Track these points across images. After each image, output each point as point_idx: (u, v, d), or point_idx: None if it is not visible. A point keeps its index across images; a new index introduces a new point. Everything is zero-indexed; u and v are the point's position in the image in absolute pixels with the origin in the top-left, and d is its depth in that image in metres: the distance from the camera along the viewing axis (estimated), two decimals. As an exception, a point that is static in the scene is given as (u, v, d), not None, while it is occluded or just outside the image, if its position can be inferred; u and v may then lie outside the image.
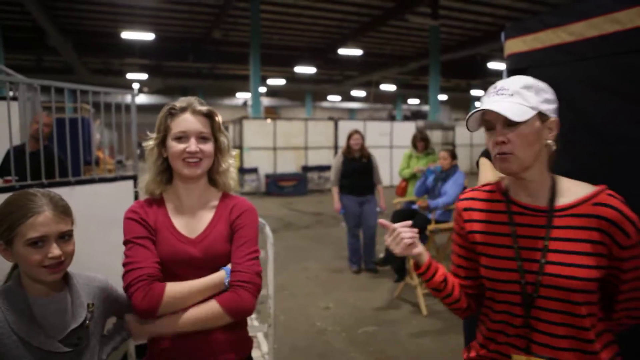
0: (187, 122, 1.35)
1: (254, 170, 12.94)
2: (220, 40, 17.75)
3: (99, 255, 2.32)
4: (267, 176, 12.91)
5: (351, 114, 32.80)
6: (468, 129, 1.21)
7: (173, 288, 1.27)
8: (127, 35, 14.88)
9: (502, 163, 1.12)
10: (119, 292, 1.41)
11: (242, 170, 12.89)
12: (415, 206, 4.52)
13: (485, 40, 16.42)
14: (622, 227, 1.05)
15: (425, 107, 27.09)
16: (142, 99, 25.92)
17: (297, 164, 13.71)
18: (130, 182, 4.27)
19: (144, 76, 21.34)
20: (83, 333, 1.27)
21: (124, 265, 1.31)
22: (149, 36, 14.94)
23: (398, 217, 4.45)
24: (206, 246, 1.35)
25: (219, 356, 1.35)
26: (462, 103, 31.52)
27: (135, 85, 23.25)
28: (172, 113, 1.37)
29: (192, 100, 1.40)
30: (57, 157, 3.46)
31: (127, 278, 1.28)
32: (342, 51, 17.77)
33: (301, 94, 29.55)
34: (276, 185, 12.78)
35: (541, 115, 1.10)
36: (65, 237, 1.23)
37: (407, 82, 27.45)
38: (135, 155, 4.47)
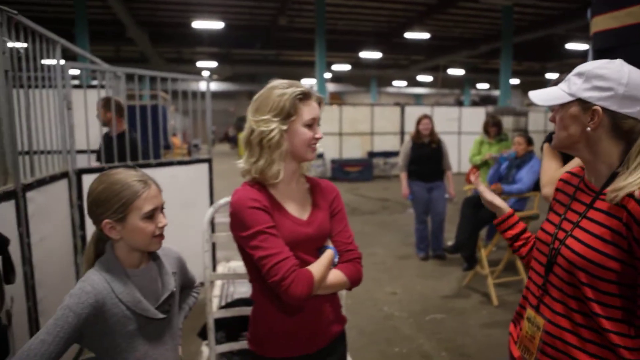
0: (315, 109, 1.40)
1: (320, 156, 13.05)
2: (286, 27, 17.90)
3: (175, 233, 2.47)
4: (333, 161, 12.98)
5: (417, 99, 32.08)
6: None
7: (316, 271, 1.34)
8: (197, 24, 15.39)
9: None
10: (187, 265, 1.54)
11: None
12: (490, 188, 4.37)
13: (563, 19, 15.29)
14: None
15: (495, 92, 25.94)
16: (211, 86, 26.85)
17: (363, 149, 13.66)
18: (205, 165, 4.47)
19: (213, 64, 22.04)
20: (172, 300, 1.37)
21: (265, 257, 1.29)
22: (218, 25, 15.38)
23: (468, 204, 4.32)
24: (318, 226, 1.44)
25: (330, 326, 1.50)
26: (535, 87, 29.67)
27: (206, 73, 24.14)
28: (301, 98, 1.36)
29: (303, 85, 1.40)
30: (134, 141, 3.69)
31: (278, 271, 1.27)
32: (408, 35, 17.33)
33: (366, 79, 29.26)
34: (342, 171, 12.82)
35: (582, 102, 1.13)
36: (162, 208, 1.33)
37: (476, 66, 26.35)
38: (209, 140, 4.67)
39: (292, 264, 1.29)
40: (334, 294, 1.53)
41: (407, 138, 5.49)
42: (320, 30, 15.46)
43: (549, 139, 2.13)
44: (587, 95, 1.12)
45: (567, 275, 1.14)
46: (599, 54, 3.52)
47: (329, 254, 1.42)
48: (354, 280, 1.44)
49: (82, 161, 3.42)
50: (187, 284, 1.58)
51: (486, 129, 5.65)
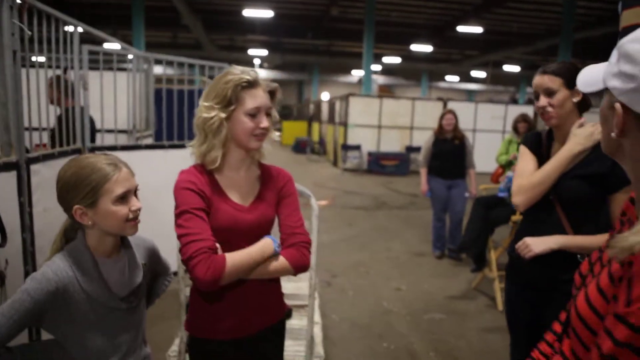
0: (261, 98, 1.39)
1: (357, 148, 12.99)
2: (338, 17, 17.86)
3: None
4: (370, 154, 12.89)
5: (469, 95, 31.11)
6: None
7: (233, 258, 1.32)
8: (248, 12, 15.65)
9: None
10: (161, 254, 1.54)
11: (345, 147, 13.02)
12: (502, 194, 4.21)
13: (631, 16, 14.31)
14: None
15: (555, 91, 24.66)
16: (262, 74, 27.17)
17: (402, 143, 13.46)
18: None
19: (264, 52, 22.38)
20: (138, 291, 1.38)
21: (182, 236, 1.31)
22: (268, 13, 15.57)
23: (480, 203, 4.18)
24: (260, 213, 1.45)
25: (264, 314, 1.50)
26: (599, 87, 28.09)
27: (256, 61, 24.51)
28: (245, 86, 1.36)
29: (252, 72, 1.39)
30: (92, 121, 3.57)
31: (187, 250, 1.29)
32: (461, 29, 16.83)
33: (417, 73, 28.69)
34: (378, 164, 12.72)
35: (609, 93, 0.82)
36: (136, 192, 1.31)
37: (533, 63, 25.16)
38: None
39: (203, 246, 1.28)
40: (274, 284, 1.53)
41: (430, 133, 5.37)
42: (370, 21, 15.29)
43: (527, 140, 2.01)
44: (612, 84, 0.80)
45: (576, 340, 0.86)
46: (628, 53, 3.32)
47: (261, 242, 1.40)
48: (297, 266, 1.43)
49: (109, 139, 3.75)
50: (160, 272, 1.57)
51: (515, 127, 5.42)
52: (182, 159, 4.06)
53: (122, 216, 1.25)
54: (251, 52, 22.42)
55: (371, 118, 13.20)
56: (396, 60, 23.63)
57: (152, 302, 1.60)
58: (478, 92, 31.09)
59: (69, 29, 3.21)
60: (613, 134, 0.81)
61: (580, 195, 1.75)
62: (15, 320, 1.13)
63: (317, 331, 2.70)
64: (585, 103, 1.82)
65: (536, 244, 1.75)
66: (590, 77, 0.88)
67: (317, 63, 26.73)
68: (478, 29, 16.75)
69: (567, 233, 1.76)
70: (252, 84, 1.37)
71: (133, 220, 1.28)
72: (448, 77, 30.68)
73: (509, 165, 5.25)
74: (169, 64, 4.30)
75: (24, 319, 1.15)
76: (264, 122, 1.39)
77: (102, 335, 1.28)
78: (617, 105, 0.78)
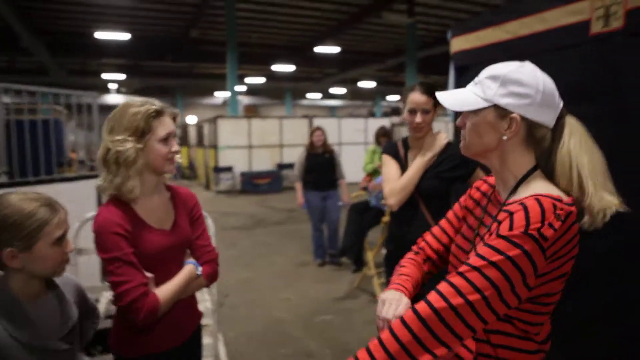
0: (170, 124, 1.48)
1: (229, 169, 13.01)
2: (198, 39, 17.73)
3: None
4: (242, 174, 12.98)
5: (331, 111, 32.93)
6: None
7: (164, 295, 1.44)
8: (101, 35, 14.77)
9: (460, 144, 1.17)
10: (86, 291, 1.52)
11: (217, 169, 12.94)
12: (371, 198, 4.68)
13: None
14: (514, 218, 0.98)
15: (405, 104, 27.29)
16: (119, 99, 25.75)
17: (273, 161, 13.81)
18: (93, 182, 4.35)
19: (121, 76, 21.18)
20: (75, 330, 1.35)
21: (117, 284, 1.36)
22: (124, 36, 14.86)
23: (354, 210, 4.59)
24: (181, 233, 1.57)
25: (187, 323, 1.64)
26: (441, 99, 31.78)
27: (113, 86, 23.07)
28: (154, 116, 1.43)
29: (155, 101, 1.47)
30: None
31: (124, 298, 1.35)
32: (319, 49, 17.88)
33: (281, 92, 29.59)
34: (251, 183, 12.86)
35: (498, 109, 1.06)
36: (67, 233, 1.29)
37: (386, 79, 27.66)
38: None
39: (139, 293, 1.36)
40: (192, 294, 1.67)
41: (302, 149, 5.71)
42: (232, 42, 15.45)
43: (387, 150, 2.38)
44: (505, 101, 1.05)
45: None
46: (458, 71, 3.97)
47: (186, 270, 1.54)
48: (211, 278, 1.64)
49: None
50: (87, 312, 1.52)
51: (377, 139, 6.03)
52: (56, 193, 3.80)
53: (58, 259, 1.24)
54: (106, 76, 21.04)
55: (241, 139, 13.34)
56: (260, 80, 24.11)
57: (82, 344, 1.52)
58: (339, 108, 33.09)
59: None
60: (505, 137, 1.06)
61: (437, 191, 2.16)
62: None
63: (221, 347, 2.75)
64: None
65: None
66: (462, 99, 1.10)
67: (179, 86, 26.09)
68: (335, 49, 17.95)
69: (429, 223, 2.14)
70: (160, 112, 1.46)
71: (67, 261, 1.28)
72: (310, 95, 32.13)
73: (375, 173, 5.81)
74: (17, 92, 3.95)
75: None
76: (175, 146, 1.50)
77: None
78: (516, 116, 1.04)
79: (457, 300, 0.94)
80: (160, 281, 1.47)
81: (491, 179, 1.27)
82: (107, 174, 1.44)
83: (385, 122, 14.44)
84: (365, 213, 4.47)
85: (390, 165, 2.30)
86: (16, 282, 1.23)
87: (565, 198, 1.02)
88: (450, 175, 2.17)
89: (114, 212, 1.42)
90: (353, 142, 14.02)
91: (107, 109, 4.15)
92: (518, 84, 1.05)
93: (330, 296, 4.58)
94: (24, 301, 1.22)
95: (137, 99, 1.47)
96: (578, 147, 1.06)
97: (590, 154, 1.06)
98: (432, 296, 0.97)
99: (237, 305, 4.36)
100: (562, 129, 1.08)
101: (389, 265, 2.42)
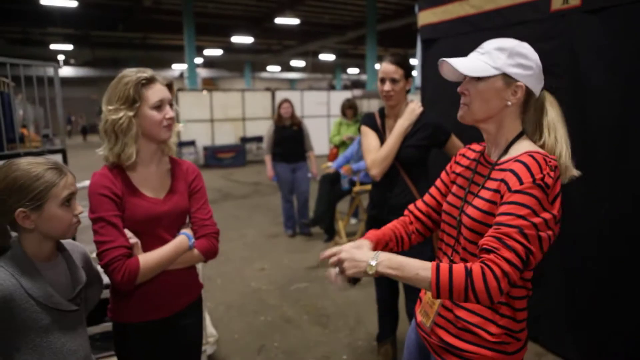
0: (162, 91, 1.51)
1: (192, 143, 12.81)
2: (151, 8, 17.01)
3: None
4: (205, 148, 12.81)
5: (291, 84, 32.68)
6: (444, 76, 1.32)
7: (146, 260, 1.46)
8: (46, 1, 13.90)
9: (459, 112, 1.27)
10: (92, 260, 1.56)
11: (179, 144, 12.66)
12: (342, 173, 4.81)
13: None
14: (518, 173, 1.13)
15: (365, 77, 27.48)
16: (68, 71, 24.53)
17: (236, 135, 13.69)
18: (59, 157, 4.24)
19: (69, 47, 20.14)
20: (83, 293, 1.40)
21: (99, 243, 1.42)
22: (71, 3, 14.02)
23: (325, 180, 4.71)
24: (174, 204, 1.59)
25: (185, 293, 1.65)
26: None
27: (61, 57, 21.92)
28: (144, 83, 1.47)
29: (147, 70, 1.51)
30: None
31: (104, 257, 1.41)
32: (279, 20, 17.60)
33: (240, 64, 29.03)
34: (215, 158, 12.72)
35: (506, 77, 1.19)
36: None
37: (346, 52, 27.63)
38: (64, 130, 4.42)
39: (118, 254, 1.41)
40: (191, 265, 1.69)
41: (271, 122, 5.74)
42: (188, 12, 14.98)
43: (365, 121, 2.48)
44: (513, 71, 1.18)
45: (468, 243, 1.24)
46: (425, 44, 4.09)
47: (177, 240, 1.57)
48: (208, 254, 1.63)
49: None
50: (92, 280, 1.54)
51: (343, 111, 6.13)
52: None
53: (68, 219, 1.29)
54: (54, 46, 19.94)
55: (202, 112, 13.11)
56: (218, 52, 23.55)
57: (87, 312, 1.57)
58: (299, 81, 32.85)
59: None
60: (509, 103, 1.20)
61: (415, 158, 2.30)
62: None
63: (205, 315, 2.84)
64: (408, 90, 2.35)
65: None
66: (475, 66, 1.20)
67: (132, 58, 25.04)
68: (295, 20, 17.70)
69: (410, 188, 2.28)
70: (150, 80, 1.50)
71: (76, 223, 1.32)
72: (270, 68, 31.70)
73: (342, 144, 5.93)
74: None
75: None
76: (170, 113, 1.53)
77: (58, 340, 1.29)
78: (522, 84, 1.19)
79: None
80: (150, 249, 1.51)
81: (475, 147, 1.43)
82: (108, 143, 1.50)
83: (348, 94, 14.53)
84: (337, 184, 4.60)
85: (369, 137, 2.41)
86: (30, 243, 1.28)
87: (554, 157, 1.20)
88: (425, 142, 2.30)
89: (105, 176, 1.49)
90: (316, 114, 14.08)
91: (49, 81, 3.96)
92: (524, 57, 1.19)
93: (303, 265, 4.72)
94: (37, 262, 1.28)
95: (132, 70, 1.51)
96: (556, 117, 1.24)
97: (563, 124, 1.25)
98: (507, 253, 1.07)
99: (212, 277, 4.43)
100: (543, 100, 1.25)
101: (371, 229, 2.55)
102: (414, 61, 4.05)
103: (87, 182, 1.67)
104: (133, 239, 1.48)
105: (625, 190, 2.43)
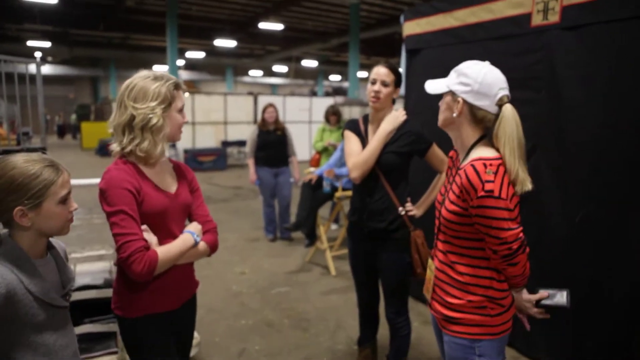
0: (183, 97, 1.62)
1: (172, 146, 12.66)
2: (134, 8, 16.83)
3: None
4: (186, 151, 12.71)
5: (273, 89, 32.69)
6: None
7: (163, 253, 1.51)
8: (25, -3, 13.63)
9: None
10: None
11: (159, 146, 12.58)
12: (325, 177, 4.84)
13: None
14: (466, 188, 1.41)
15: (347, 84, 27.66)
16: (45, 69, 24.03)
17: (217, 139, 13.62)
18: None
19: (47, 44, 19.72)
20: (71, 290, 1.42)
21: (119, 235, 1.44)
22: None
23: (307, 185, 4.74)
24: (184, 198, 1.68)
25: (188, 287, 1.75)
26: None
27: (38, 54, 21.46)
28: (176, 87, 1.57)
29: (170, 75, 1.59)
30: None
31: (126, 249, 1.43)
32: (263, 25, 17.61)
33: (222, 68, 28.90)
34: (195, 161, 12.62)
35: (452, 93, 1.49)
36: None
37: (328, 59, 27.78)
38: (42, 128, 4.35)
39: (140, 245, 1.45)
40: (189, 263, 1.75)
41: (254, 126, 5.75)
42: (172, 14, 14.87)
43: (348, 126, 2.53)
44: (455, 88, 1.48)
45: (442, 231, 1.55)
46: (410, 53, 4.18)
47: (182, 237, 1.62)
48: (213, 247, 1.72)
49: None
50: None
51: (327, 118, 6.18)
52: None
53: (65, 217, 1.31)
54: (30, 43, 19.49)
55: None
56: (200, 55, 23.40)
57: None
58: (281, 86, 32.89)
59: None
60: (454, 114, 1.49)
61: (395, 165, 2.35)
62: None
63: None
64: (394, 99, 2.42)
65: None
66: (436, 86, 1.55)
67: (112, 57, 24.75)
68: (278, 26, 17.75)
69: (389, 194, 2.34)
70: (178, 85, 1.59)
71: (71, 220, 1.34)
72: (252, 72, 31.64)
73: (325, 150, 5.98)
74: None
75: None
76: (186, 117, 1.65)
77: (51, 336, 1.30)
78: (460, 99, 1.47)
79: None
80: (161, 242, 1.57)
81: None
82: (133, 138, 1.53)
83: (330, 101, 14.62)
84: (319, 189, 4.63)
85: (352, 141, 2.45)
86: (25, 240, 1.29)
87: (498, 156, 1.42)
88: (406, 150, 2.34)
89: (125, 171, 1.53)
90: (298, 120, 14.11)
91: (29, 79, 3.91)
92: (464, 76, 1.46)
93: (284, 269, 4.74)
94: (32, 258, 1.30)
95: (152, 72, 1.57)
96: (512, 131, 1.41)
97: (519, 139, 1.42)
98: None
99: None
100: (502, 114, 1.44)
101: (352, 235, 2.59)
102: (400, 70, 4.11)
103: (77, 181, 1.67)
104: (152, 237, 1.53)
105: (599, 200, 2.54)
